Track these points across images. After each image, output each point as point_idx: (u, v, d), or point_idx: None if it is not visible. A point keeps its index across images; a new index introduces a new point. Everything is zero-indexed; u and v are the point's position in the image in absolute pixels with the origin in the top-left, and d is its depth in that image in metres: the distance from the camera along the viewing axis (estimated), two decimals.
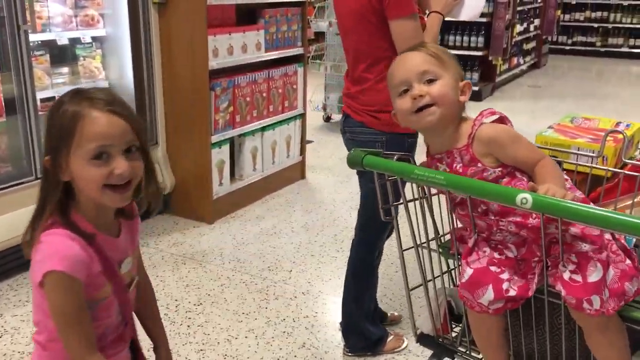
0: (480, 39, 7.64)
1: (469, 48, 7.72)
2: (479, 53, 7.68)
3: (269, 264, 3.33)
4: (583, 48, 12.36)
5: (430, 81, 1.37)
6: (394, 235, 1.93)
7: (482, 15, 7.50)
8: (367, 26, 2.16)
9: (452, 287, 1.62)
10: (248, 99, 3.99)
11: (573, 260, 1.24)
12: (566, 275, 1.23)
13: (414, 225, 1.47)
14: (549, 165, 1.31)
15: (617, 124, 1.77)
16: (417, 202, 1.48)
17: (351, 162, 1.41)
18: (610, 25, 12.20)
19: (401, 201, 1.47)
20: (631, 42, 12.10)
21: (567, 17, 12.48)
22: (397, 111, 1.46)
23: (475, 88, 7.71)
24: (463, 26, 7.66)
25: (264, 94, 4.14)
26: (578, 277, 1.22)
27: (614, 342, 1.26)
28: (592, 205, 1.18)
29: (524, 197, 1.06)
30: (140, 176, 1.17)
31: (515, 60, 9.12)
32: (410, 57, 1.43)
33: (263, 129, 4.20)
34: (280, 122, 4.37)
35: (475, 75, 7.76)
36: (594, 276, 1.22)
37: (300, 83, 4.50)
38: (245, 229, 3.78)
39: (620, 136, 1.68)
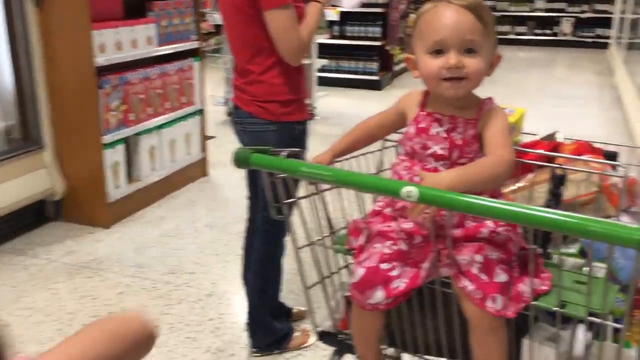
0: (378, 29, 7.76)
1: (367, 38, 7.83)
2: (377, 43, 7.80)
3: (172, 267, 3.21)
4: None
5: (470, 51, 1.27)
6: None
7: (378, 5, 7.64)
8: (245, 17, 2.14)
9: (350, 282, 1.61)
10: (142, 96, 3.82)
11: (479, 261, 1.23)
12: (474, 270, 1.22)
13: (308, 222, 1.43)
14: (481, 161, 1.26)
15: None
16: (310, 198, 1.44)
17: (238, 162, 1.35)
18: (498, 14, 12.80)
19: (293, 199, 1.43)
20: (517, 29, 12.78)
21: None
22: (421, 67, 1.32)
23: (376, 78, 7.86)
24: (360, 16, 7.75)
25: (159, 91, 3.98)
26: (484, 276, 1.22)
27: (499, 345, 1.25)
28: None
29: (409, 190, 1.05)
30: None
31: None
32: (459, 15, 1.26)
33: (160, 126, 4.04)
34: (179, 119, 4.22)
35: (375, 65, 7.89)
36: (500, 278, 1.22)
37: (197, 78, 4.37)
38: (146, 232, 3.63)
39: None
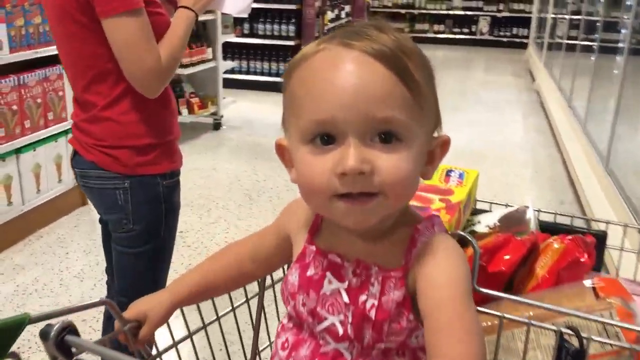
0: (292, 28, 7.16)
1: (280, 37, 7.21)
2: (291, 42, 7.19)
3: (22, 340, 2.46)
4: None
5: (387, 139, 0.68)
6: None
7: (292, 2, 7.02)
8: (76, 28, 1.47)
9: None
10: None
11: None
12: None
13: None
14: None
15: (447, 174, 1.25)
16: None
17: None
18: (416, 12, 12.56)
19: None
20: (435, 27, 12.57)
21: (376, 3, 12.61)
22: (298, 168, 0.72)
23: None
24: (273, 14, 7.12)
25: (14, 107, 3.19)
26: None
27: None
28: None
29: None
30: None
31: None
32: (364, 71, 0.67)
33: (18, 151, 3.26)
34: (44, 140, 3.45)
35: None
36: None
37: (68, 88, 3.59)
38: None
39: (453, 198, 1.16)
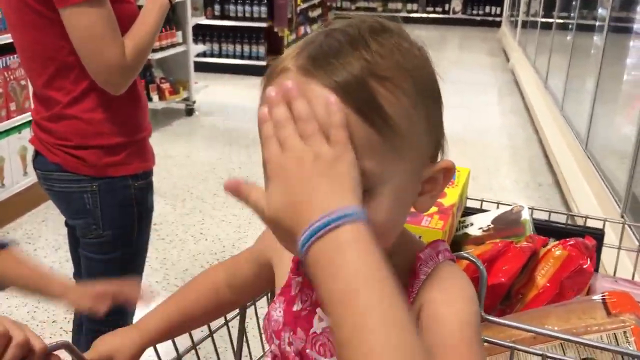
0: (264, 9, 6.99)
1: (252, 19, 7.04)
2: (264, 24, 7.03)
3: None
4: (366, 13, 12.46)
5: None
6: None
7: None
8: (34, 17, 1.35)
9: None
10: None
11: None
12: None
13: None
14: None
15: None
16: None
17: None
18: None
19: None
20: (408, 6, 12.47)
21: None
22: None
23: (264, 62, 7.10)
24: None
25: None
26: None
27: None
28: None
29: None
30: None
31: (302, 30, 8.67)
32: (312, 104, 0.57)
33: None
34: (7, 132, 3.29)
35: (262, 49, 7.14)
36: None
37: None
38: None
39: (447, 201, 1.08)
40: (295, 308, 0.69)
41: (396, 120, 0.58)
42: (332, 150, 0.55)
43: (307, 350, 0.67)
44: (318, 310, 0.67)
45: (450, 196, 1.12)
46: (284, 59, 0.63)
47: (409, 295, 0.64)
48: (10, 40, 3.16)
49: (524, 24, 8.48)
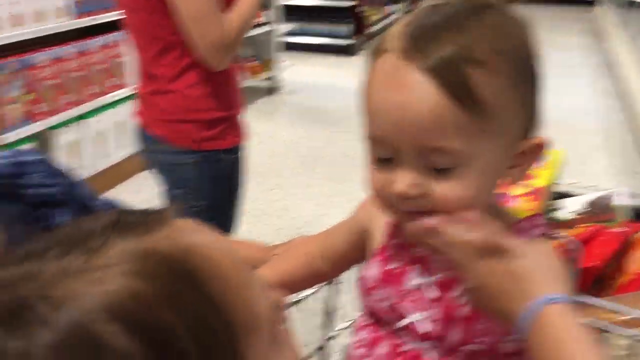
0: None
1: None
2: (350, 3, 7.02)
3: None
4: None
5: (441, 170, 0.63)
6: None
7: None
8: (144, 0, 1.41)
9: None
10: (54, 81, 3.08)
11: None
12: None
13: None
14: None
15: None
16: None
17: None
18: None
19: None
20: None
21: None
22: (369, 182, 0.69)
23: (349, 42, 7.11)
24: None
25: (78, 73, 3.24)
26: None
27: None
28: None
29: None
30: None
31: (388, 9, 8.59)
32: (414, 92, 0.61)
33: (82, 117, 3.32)
34: (106, 106, 3.50)
35: (348, 28, 7.14)
36: None
37: (128, 55, 3.61)
38: None
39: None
40: (390, 267, 0.73)
41: (489, 103, 0.60)
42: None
43: (399, 305, 0.71)
44: (413, 267, 0.71)
45: (540, 178, 1.12)
46: (386, 39, 0.66)
47: None
48: (109, 20, 3.35)
49: (622, 4, 8.01)
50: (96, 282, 0.36)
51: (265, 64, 5.54)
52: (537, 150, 0.68)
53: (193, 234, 0.43)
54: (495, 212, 0.70)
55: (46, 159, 0.73)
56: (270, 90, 5.69)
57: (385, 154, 0.65)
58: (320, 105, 5.33)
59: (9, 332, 0.34)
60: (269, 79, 5.61)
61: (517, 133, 0.66)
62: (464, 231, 0.62)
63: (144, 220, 0.41)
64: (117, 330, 0.34)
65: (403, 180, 0.63)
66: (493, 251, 0.61)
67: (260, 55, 5.56)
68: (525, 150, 0.67)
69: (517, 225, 0.69)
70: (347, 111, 5.01)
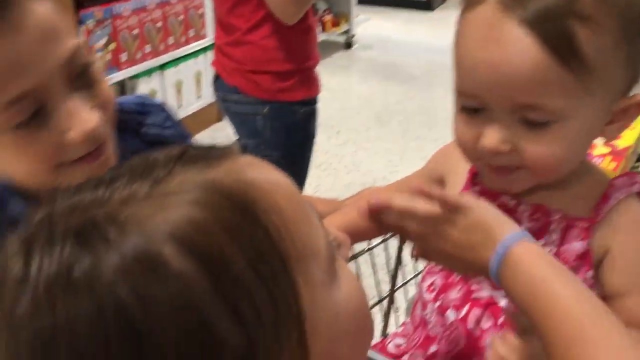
0: None
1: None
2: None
3: None
4: None
5: (534, 123, 0.61)
6: None
7: None
8: None
9: None
10: (136, 31, 3.17)
11: None
12: None
13: None
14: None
15: None
16: None
17: None
18: None
19: None
20: None
21: None
22: (454, 127, 0.69)
23: None
24: None
25: (159, 24, 3.32)
26: None
27: None
28: None
29: None
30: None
31: None
32: (510, 47, 0.58)
33: (162, 67, 3.42)
34: (185, 57, 3.58)
35: None
36: None
37: (208, 6, 3.66)
38: None
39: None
40: None
41: (592, 60, 0.58)
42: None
43: None
44: None
45: (625, 138, 1.07)
46: None
47: (597, 214, 0.65)
48: None
49: None
50: (160, 208, 0.38)
51: (341, 18, 5.48)
52: (636, 109, 0.65)
53: (254, 170, 0.44)
54: (587, 169, 0.69)
55: (165, 106, 0.83)
56: (345, 45, 5.64)
57: (475, 105, 0.64)
58: (396, 61, 5.24)
59: (79, 250, 0.37)
60: (344, 33, 5.55)
61: (618, 91, 0.63)
62: (414, 203, 0.62)
63: (208, 154, 0.43)
64: (177, 254, 0.36)
65: (493, 136, 0.62)
66: (447, 214, 0.61)
67: (336, 9, 5.50)
68: (624, 108, 0.65)
69: (614, 182, 0.67)
70: (423, 68, 4.91)
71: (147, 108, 0.79)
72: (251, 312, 0.37)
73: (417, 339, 0.79)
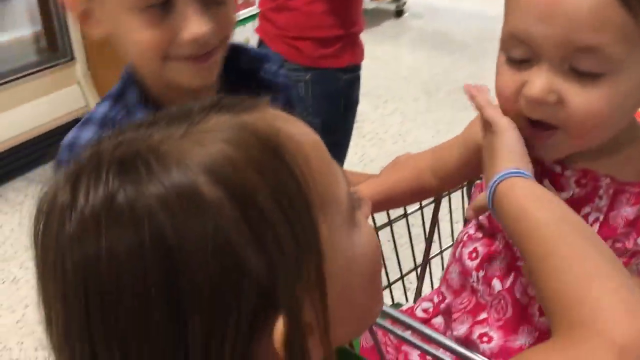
0: None
1: None
2: None
3: None
4: None
5: (585, 74, 0.58)
6: None
7: None
8: None
9: None
10: None
11: None
12: None
13: None
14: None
15: None
16: None
17: None
18: None
19: None
20: None
21: None
22: (496, 84, 0.67)
23: None
24: None
25: None
26: None
27: None
28: None
29: None
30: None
31: None
32: None
33: None
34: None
35: None
36: None
37: None
38: None
39: None
40: None
41: None
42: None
43: None
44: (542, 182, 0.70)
45: None
46: None
47: None
48: None
49: None
50: (197, 144, 0.41)
51: None
52: None
53: (285, 120, 0.47)
54: (636, 132, 0.67)
55: (282, 58, 0.98)
56: (396, 13, 5.54)
57: (522, 54, 0.61)
58: (445, 30, 5.13)
59: (122, 178, 0.40)
60: (394, 1, 5.46)
61: None
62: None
63: (242, 103, 0.47)
64: (211, 185, 0.40)
65: (540, 83, 0.59)
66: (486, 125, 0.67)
67: None
68: None
69: None
70: (473, 38, 4.79)
71: (268, 57, 0.89)
72: (274, 245, 0.40)
73: (467, 303, 0.78)
